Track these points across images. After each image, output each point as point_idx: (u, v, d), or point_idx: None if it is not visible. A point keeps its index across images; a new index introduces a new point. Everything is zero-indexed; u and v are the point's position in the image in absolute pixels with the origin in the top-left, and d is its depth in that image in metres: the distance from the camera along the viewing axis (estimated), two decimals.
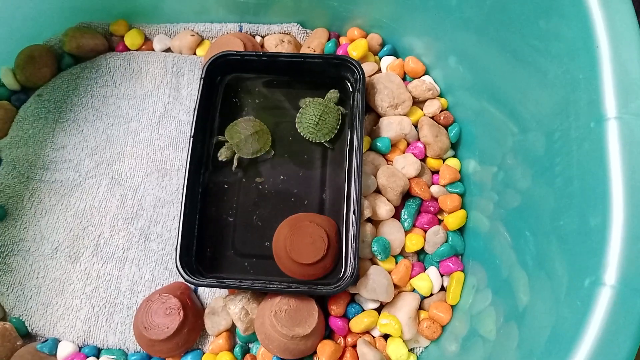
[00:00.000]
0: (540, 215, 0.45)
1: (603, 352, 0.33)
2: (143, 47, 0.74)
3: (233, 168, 0.60)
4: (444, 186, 0.62)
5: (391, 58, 0.69)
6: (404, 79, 0.68)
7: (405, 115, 0.64)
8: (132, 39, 0.73)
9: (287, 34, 0.73)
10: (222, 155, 0.60)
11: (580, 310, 0.35)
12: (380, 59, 0.70)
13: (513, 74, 0.52)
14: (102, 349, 0.58)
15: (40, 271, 0.61)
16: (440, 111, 0.65)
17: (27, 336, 0.59)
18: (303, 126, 0.62)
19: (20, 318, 0.59)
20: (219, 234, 0.59)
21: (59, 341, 0.58)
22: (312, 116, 0.61)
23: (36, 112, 0.68)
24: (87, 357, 0.57)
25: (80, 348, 0.58)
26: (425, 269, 0.59)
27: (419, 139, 0.64)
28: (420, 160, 0.62)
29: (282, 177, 0.61)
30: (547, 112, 0.46)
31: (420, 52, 0.68)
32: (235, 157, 0.60)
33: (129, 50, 0.73)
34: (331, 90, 0.63)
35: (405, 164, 0.61)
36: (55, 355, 0.57)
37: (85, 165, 0.66)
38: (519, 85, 0.51)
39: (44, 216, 0.63)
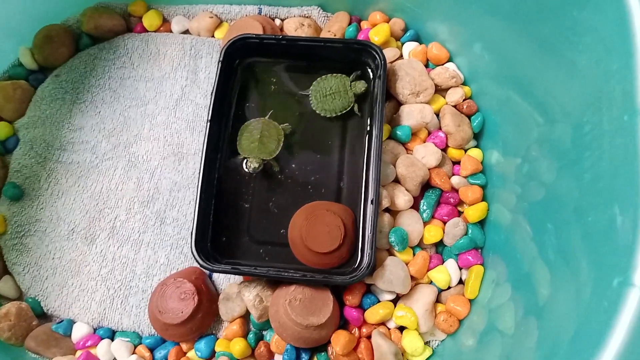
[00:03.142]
0: (565, 210, 0.44)
1: (631, 357, 0.32)
2: (161, 28, 0.73)
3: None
4: (465, 177, 0.60)
5: (414, 44, 0.67)
6: (426, 66, 0.66)
7: (426, 103, 0.62)
8: (150, 20, 0.72)
9: (307, 17, 0.71)
10: (251, 168, 0.58)
11: (608, 312, 0.33)
12: (403, 44, 0.68)
13: (541, 63, 0.50)
14: (116, 331, 0.59)
15: (56, 252, 0.61)
16: (464, 100, 0.63)
17: (43, 316, 0.60)
18: (314, 88, 0.62)
19: (36, 298, 0.59)
20: (234, 220, 0.58)
21: (74, 322, 0.59)
22: (327, 87, 0.61)
23: (54, 92, 0.68)
24: (102, 338, 0.57)
25: (94, 330, 0.59)
26: (443, 262, 0.58)
27: (440, 128, 0.62)
28: (441, 150, 0.61)
29: (299, 164, 0.60)
30: (576, 104, 0.44)
31: (444, 38, 0.66)
32: (259, 162, 0.58)
33: (147, 31, 0.73)
34: (362, 81, 0.61)
35: (426, 154, 0.60)
36: (69, 336, 0.58)
37: (102, 147, 0.66)
38: (547, 75, 0.50)
39: (60, 197, 0.63)
